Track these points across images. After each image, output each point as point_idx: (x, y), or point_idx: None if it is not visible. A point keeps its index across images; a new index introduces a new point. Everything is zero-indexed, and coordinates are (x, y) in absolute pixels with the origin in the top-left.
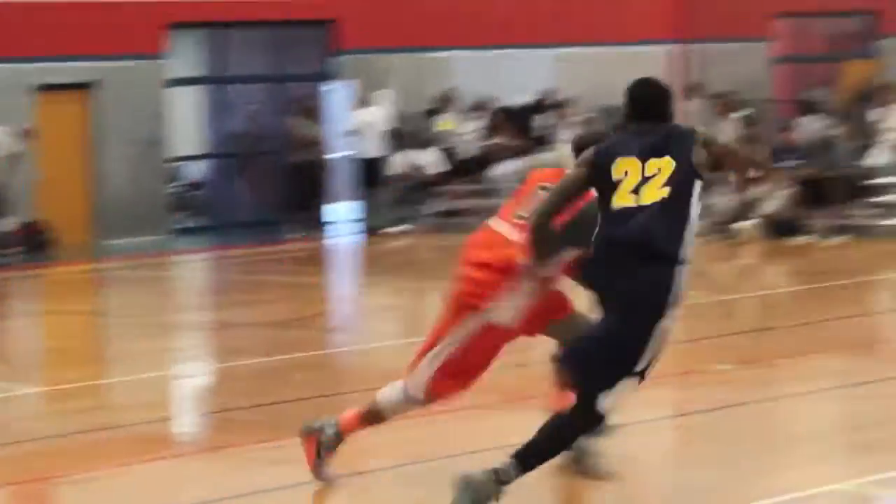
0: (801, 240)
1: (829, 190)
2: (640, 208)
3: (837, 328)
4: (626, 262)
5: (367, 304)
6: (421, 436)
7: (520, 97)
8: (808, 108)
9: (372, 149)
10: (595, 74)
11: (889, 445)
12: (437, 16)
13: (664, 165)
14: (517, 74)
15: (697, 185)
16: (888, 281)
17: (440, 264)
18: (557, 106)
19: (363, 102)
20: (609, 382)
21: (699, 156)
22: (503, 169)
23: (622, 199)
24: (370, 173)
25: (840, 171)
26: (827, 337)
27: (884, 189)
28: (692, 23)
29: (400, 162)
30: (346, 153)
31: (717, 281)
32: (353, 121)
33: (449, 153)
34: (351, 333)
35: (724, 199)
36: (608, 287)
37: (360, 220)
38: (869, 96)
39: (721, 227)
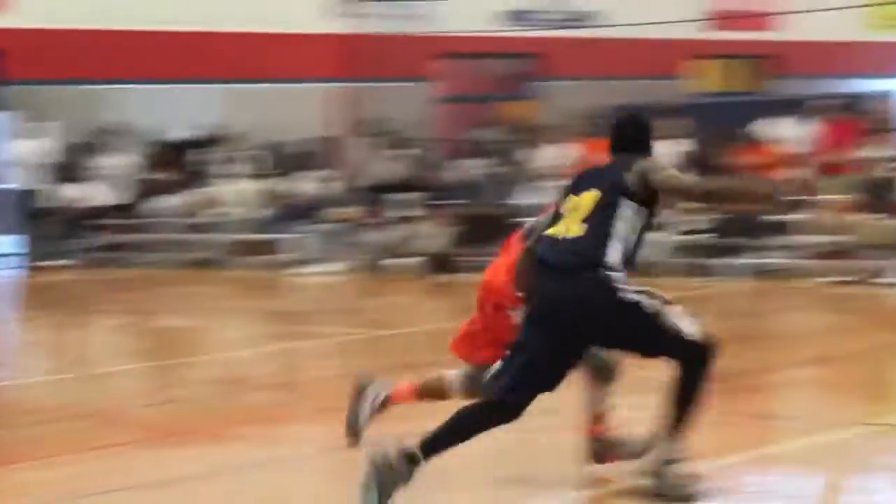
0: (459, 277)
1: (487, 228)
2: (564, 241)
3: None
4: (554, 279)
5: (23, 339)
6: (55, 476)
7: (184, 132)
8: (470, 147)
9: (33, 181)
10: (262, 111)
11: (527, 480)
12: (107, 49)
13: (588, 199)
14: (185, 109)
15: (625, 205)
16: None
17: (99, 298)
18: (223, 141)
19: (27, 134)
20: (665, 342)
21: (633, 182)
22: (164, 203)
23: (555, 230)
24: (31, 206)
25: (497, 209)
26: None
27: None
28: (357, 62)
29: (62, 195)
30: (4, 185)
31: (373, 317)
32: (14, 152)
33: (112, 186)
34: (3, 368)
35: (377, 236)
36: (549, 304)
37: (18, 254)
38: (528, 136)
39: (374, 263)
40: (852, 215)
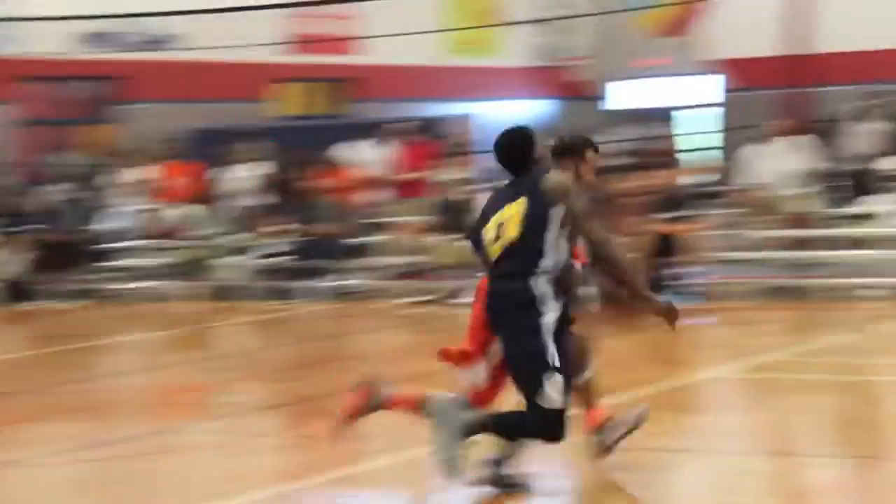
0: (37, 304)
1: (67, 254)
2: (503, 251)
3: (69, 392)
4: (495, 286)
5: None
6: None
7: None
8: (50, 172)
9: None
10: None
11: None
12: None
13: (516, 207)
14: None
15: (553, 210)
16: (120, 344)
17: None
18: None
19: None
20: (534, 385)
21: (551, 190)
22: None
23: (492, 252)
24: None
25: (76, 235)
26: (58, 401)
27: (117, 253)
28: None
29: None
30: None
31: None
32: None
33: None
34: None
35: None
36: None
37: None
38: (109, 160)
39: None
40: (428, 237)
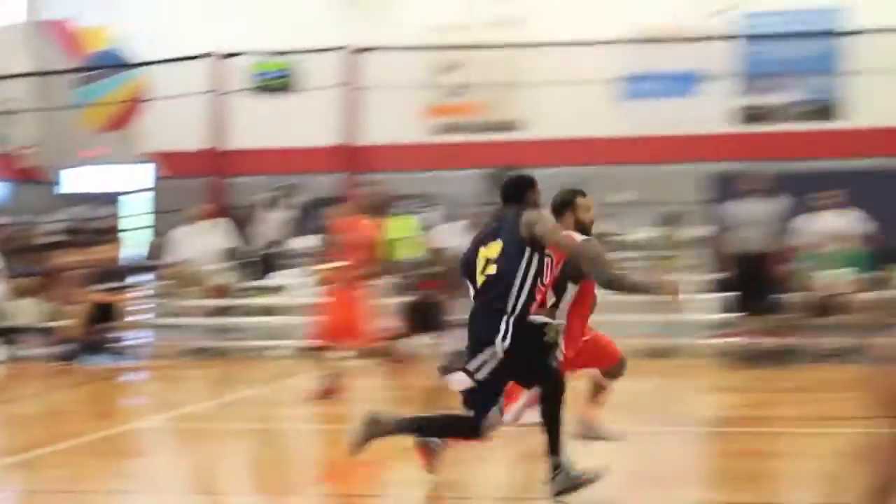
0: None
1: None
2: (483, 285)
3: None
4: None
5: None
6: None
7: None
8: None
9: None
10: None
11: None
12: None
13: (495, 247)
14: None
15: (527, 252)
16: None
17: None
18: None
19: None
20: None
21: (525, 230)
22: None
23: (478, 280)
24: None
25: None
26: None
27: None
28: None
29: None
30: None
31: None
32: None
33: None
34: None
35: None
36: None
37: None
38: None
39: None
40: None
